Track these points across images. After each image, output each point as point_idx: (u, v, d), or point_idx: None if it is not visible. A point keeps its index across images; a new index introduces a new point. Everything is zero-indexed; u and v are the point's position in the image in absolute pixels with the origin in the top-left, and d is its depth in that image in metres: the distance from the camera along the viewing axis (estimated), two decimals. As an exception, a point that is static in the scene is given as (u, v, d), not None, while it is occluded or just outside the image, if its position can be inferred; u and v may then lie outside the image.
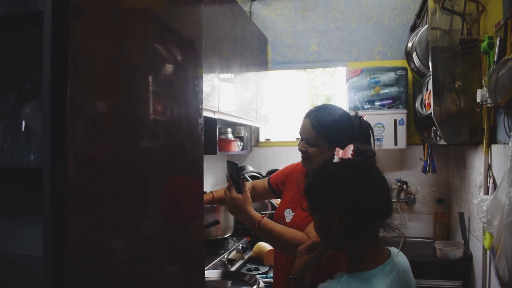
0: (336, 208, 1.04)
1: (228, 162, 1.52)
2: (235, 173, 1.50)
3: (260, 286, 1.94)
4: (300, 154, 1.58)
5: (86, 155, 0.83)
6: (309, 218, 1.40)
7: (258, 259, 2.45)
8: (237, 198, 1.47)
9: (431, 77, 2.18)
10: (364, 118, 1.56)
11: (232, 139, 2.84)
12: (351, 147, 1.07)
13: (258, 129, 3.59)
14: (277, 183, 1.79)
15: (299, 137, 1.58)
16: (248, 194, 1.50)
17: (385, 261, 1.08)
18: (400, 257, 1.14)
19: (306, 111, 1.60)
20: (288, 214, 1.60)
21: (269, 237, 1.47)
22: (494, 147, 1.92)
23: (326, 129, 1.49)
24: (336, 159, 1.06)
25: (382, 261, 1.07)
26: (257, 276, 2.08)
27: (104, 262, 0.89)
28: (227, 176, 1.52)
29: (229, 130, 2.83)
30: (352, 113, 1.57)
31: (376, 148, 1.78)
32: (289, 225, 1.55)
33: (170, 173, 1.19)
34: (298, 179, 1.64)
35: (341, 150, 1.07)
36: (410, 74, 3.01)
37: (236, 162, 1.54)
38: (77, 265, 0.79)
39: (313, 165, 1.17)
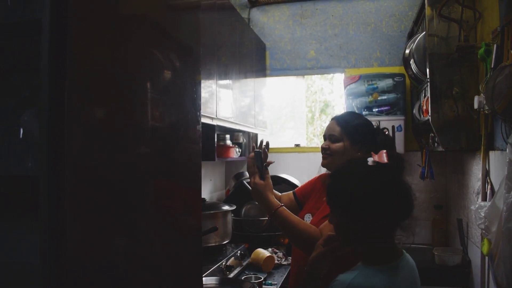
0: (362, 204, 1.11)
1: (254, 151, 1.61)
2: (260, 162, 1.59)
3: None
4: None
5: (83, 162, 0.83)
6: (324, 220, 1.47)
7: (256, 266, 2.44)
8: (259, 184, 1.56)
9: (428, 83, 2.19)
10: (386, 133, 1.63)
11: (231, 145, 2.83)
12: (384, 152, 1.17)
13: (256, 135, 3.58)
14: (303, 194, 1.85)
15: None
16: (270, 181, 1.59)
17: (399, 257, 1.18)
18: (408, 256, 1.25)
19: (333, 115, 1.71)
20: (308, 219, 1.67)
21: (283, 225, 1.51)
22: (491, 154, 1.92)
23: (351, 127, 1.60)
24: (370, 162, 1.15)
25: (397, 257, 1.18)
26: (255, 283, 2.07)
27: (101, 270, 0.88)
28: (254, 165, 1.61)
29: (228, 136, 2.83)
30: (374, 124, 1.67)
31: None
32: None
33: (168, 180, 1.19)
34: (324, 183, 1.70)
35: (376, 155, 1.17)
36: (407, 81, 3.02)
37: (261, 151, 1.61)
38: (73, 272, 0.79)
39: (339, 165, 1.27)
